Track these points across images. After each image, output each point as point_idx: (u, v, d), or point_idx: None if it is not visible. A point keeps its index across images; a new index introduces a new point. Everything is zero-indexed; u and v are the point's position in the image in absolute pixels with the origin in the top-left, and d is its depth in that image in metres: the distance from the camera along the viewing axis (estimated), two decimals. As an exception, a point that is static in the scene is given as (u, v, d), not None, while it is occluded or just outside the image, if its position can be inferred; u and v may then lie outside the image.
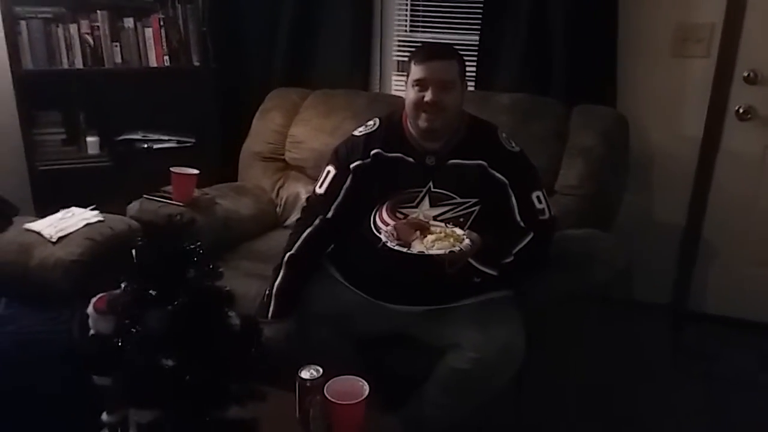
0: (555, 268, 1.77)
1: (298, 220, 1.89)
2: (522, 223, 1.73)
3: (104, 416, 1.23)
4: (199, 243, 1.14)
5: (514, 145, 1.79)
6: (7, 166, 2.59)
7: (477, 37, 2.58)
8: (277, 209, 2.53)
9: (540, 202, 1.76)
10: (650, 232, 2.62)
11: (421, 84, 1.70)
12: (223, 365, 1.12)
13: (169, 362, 1.10)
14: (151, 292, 1.04)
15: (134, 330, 1.07)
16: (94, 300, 1.15)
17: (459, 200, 1.74)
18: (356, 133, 1.84)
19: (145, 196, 2.20)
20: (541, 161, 2.18)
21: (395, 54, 2.82)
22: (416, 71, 1.71)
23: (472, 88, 2.59)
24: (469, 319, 1.67)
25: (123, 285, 1.08)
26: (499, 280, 1.72)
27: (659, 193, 2.61)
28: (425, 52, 1.73)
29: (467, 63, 2.54)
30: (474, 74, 2.60)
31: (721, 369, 2.41)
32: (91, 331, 1.17)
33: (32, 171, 2.61)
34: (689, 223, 2.58)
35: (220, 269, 1.17)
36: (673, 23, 2.40)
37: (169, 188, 2.21)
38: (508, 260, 1.70)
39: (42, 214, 2.06)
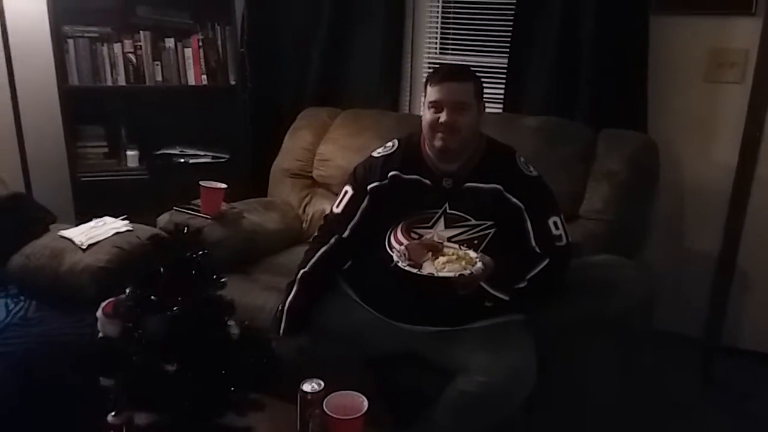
0: (571, 294, 1.75)
1: (314, 237, 1.92)
2: (537, 249, 1.72)
3: (110, 417, 1.28)
4: (204, 253, 1.19)
5: (532, 169, 1.78)
6: (52, 177, 2.73)
7: (506, 60, 2.59)
8: (303, 225, 2.57)
9: (557, 227, 1.74)
10: (682, 262, 2.55)
11: (436, 105, 1.72)
12: (220, 373, 1.15)
13: (172, 367, 1.14)
14: (152, 297, 1.08)
15: (137, 334, 1.12)
16: (103, 304, 1.21)
17: (474, 222, 1.74)
18: (375, 154, 1.87)
19: (175, 208, 2.28)
20: (566, 185, 2.18)
21: (425, 75, 2.83)
22: (432, 93, 1.73)
23: (500, 110, 2.62)
24: (478, 342, 1.66)
25: (128, 290, 1.13)
26: (512, 305, 1.71)
27: (692, 221, 2.54)
28: (441, 74, 1.75)
29: (495, 86, 2.59)
30: (502, 97, 2.61)
31: (755, 406, 2.31)
32: (100, 334, 1.22)
33: (74, 181, 2.74)
34: (723, 253, 2.50)
35: (224, 279, 1.21)
36: (707, 48, 2.35)
37: (198, 201, 2.29)
38: (522, 285, 1.68)
39: (82, 222, 2.16)
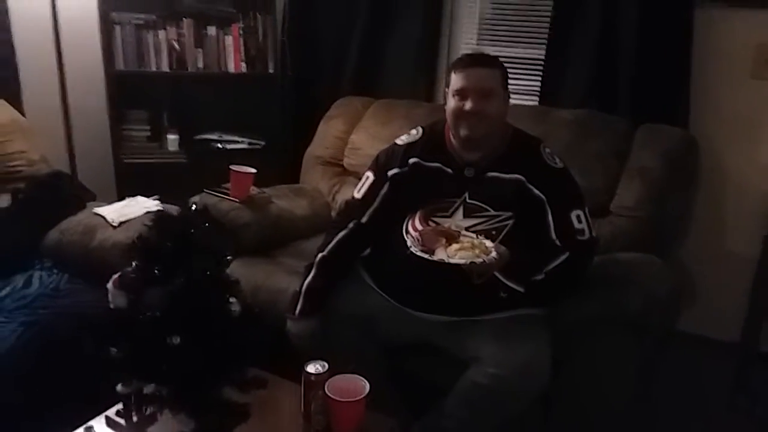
0: (589, 289, 1.70)
1: (333, 222, 1.93)
2: (558, 242, 1.68)
3: (119, 387, 1.33)
4: (211, 229, 1.22)
5: (557, 161, 1.74)
6: (96, 157, 2.83)
7: (543, 51, 2.54)
8: (332, 212, 2.59)
9: (580, 221, 1.69)
10: (721, 264, 2.44)
11: (461, 93, 1.70)
12: (219, 349, 1.17)
13: (175, 340, 1.18)
14: (155, 271, 1.11)
15: (140, 306, 1.16)
16: (114, 276, 1.25)
17: (493, 213, 1.71)
18: (398, 141, 1.86)
19: (205, 190, 2.33)
20: (598, 179, 2.13)
21: (462, 66, 2.82)
22: (456, 80, 1.71)
23: (535, 103, 2.57)
24: (491, 334, 1.64)
25: (134, 263, 1.17)
26: (528, 298, 1.68)
27: (733, 222, 2.43)
28: (466, 61, 1.73)
29: (532, 77, 2.54)
30: (539, 89, 2.56)
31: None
32: (111, 305, 1.26)
33: (117, 163, 2.84)
34: (764, 256, 2.38)
35: (229, 258, 1.23)
36: (753, 44, 2.24)
37: (228, 185, 2.34)
38: (539, 278, 1.65)
39: (121, 201, 2.25)
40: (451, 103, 1.73)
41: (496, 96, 1.71)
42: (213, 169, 2.72)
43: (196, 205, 1.27)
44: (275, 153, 2.94)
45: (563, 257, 1.66)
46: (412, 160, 1.78)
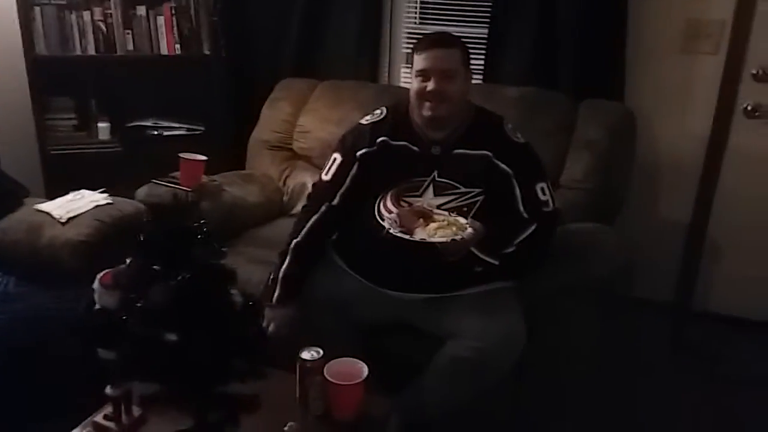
0: (556, 260, 1.78)
1: (304, 207, 1.90)
2: (525, 214, 1.74)
3: (108, 390, 1.26)
4: (204, 222, 1.17)
5: (519, 136, 1.80)
6: (20, 150, 2.61)
7: (486, 30, 2.59)
8: (284, 198, 2.55)
9: (544, 193, 1.76)
10: (655, 229, 2.62)
11: (423, 74, 1.71)
12: (224, 341, 1.14)
13: (172, 337, 1.13)
14: (155, 267, 1.06)
15: (138, 304, 1.10)
16: (100, 275, 1.18)
17: (463, 190, 1.75)
18: (363, 121, 1.85)
19: (153, 180, 2.22)
20: (547, 155, 2.18)
21: (404, 46, 2.83)
22: (418, 61, 1.72)
23: (479, 81, 2.62)
24: (470, 308, 1.68)
25: (128, 260, 1.11)
26: (501, 271, 1.73)
27: (665, 190, 2.60)
28: (427, 42, 1.75)
29: (475, 56, 2.58)
30: (482, 67, 2.61)
31: (725, 369, 2.40)
32: (97, 306, 1.19)
33: (44, 155, 2.65)
34: (694, 221, 2.58)
35: (224, 248, 1.19)
36: (683, 19, 2.39)
37: (177, 174, 2.24)
38: (510, 250, 1.71)
39: (52, 197, 2.09)
40: (414, 84, 1.75)
41: (458, 76, 1.74)
42: (150, 158, 2.63)
43: (181, 195, 1.21)
44: (216, 138, 2.82)
45: (531, 228, 1.73)
46: (380, 139, 1.78)
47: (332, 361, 1.38)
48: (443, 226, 1.61)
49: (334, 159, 1.84)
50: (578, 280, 1.76)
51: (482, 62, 2.61)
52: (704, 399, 2.22)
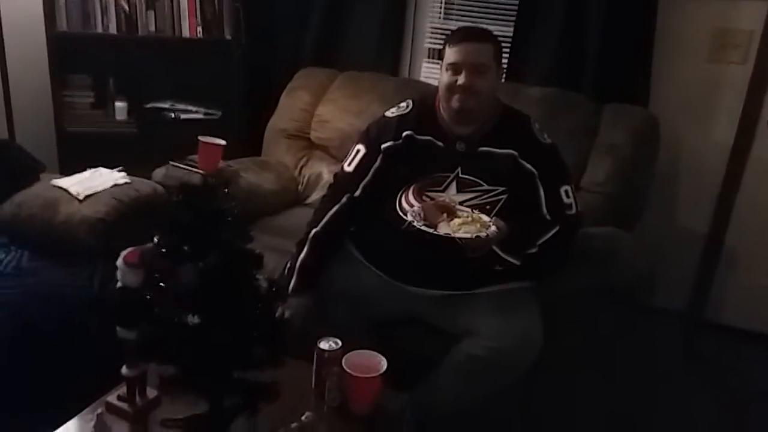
0: (576, 263, 1.76)
1: (323, 197, 1.88)
2: (548, 216, 1.72)
3: (124, 369, 1.24)
4: (234, 204, 1.15)
5: (546, 137, 1.78)
6: (36, 126, 2.61)
7: (511, 29, 2.56)
8: (299, 187, 2.53)
9: (568, 196, 1.74)
10: (672, 237, 2.59)
11: (454, 67, 1.69)
12: (247, 327, 1.12)
13: (195, 319, 1.11)
14: (184, 247, 1.04)
15: (162, 285, 1.08)
16: (124, 253, 1.16)
17: (486, 188, 1.72)
18: (388, 114, 1.83)
19: (171, 162, 2.21)
20: (569, 156, 2.14)
21: (427, 41, 2.81)
22: (450, 54, 1.70)
23: (503, 80, 2.59)
24: (488, 307, 1.66)
25: (156, 239, 1.09)
26: (521, 271, 1.71)
27: (685, 198, 2.58)
28: (460, 35, 1.72)
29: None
30: (506, 66, 2.59)
31: (736, 380, 2.39)
32: (119, 284, 1.17)
33: (60, 132, 2.63)
34: (713, 230, 2.56)
35: (252, 232, 1.17)
36: (712, 28, 2.37)
37: (195, 157, 2.23)
38: (532, 251, 1.69)
39: (67, 174, 2.07)
40: (444, 77, 1.72)
41: (489, 71, 1.71)
42: (166, 140, 2.60)
43: (214, 177, 1.19)
44: (233, 124, 2.80)
45: (553, 231, 1.70)
46: (405, 133, 1.76)
47: (350, 353, 1.36)
48: (467, 222, 1.59)
49: (358, 150, 1.81)
50: (599, 284, 1.74)
51: (506, 61, 2.58)
52: (715, 409, 2.20)
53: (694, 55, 2.42)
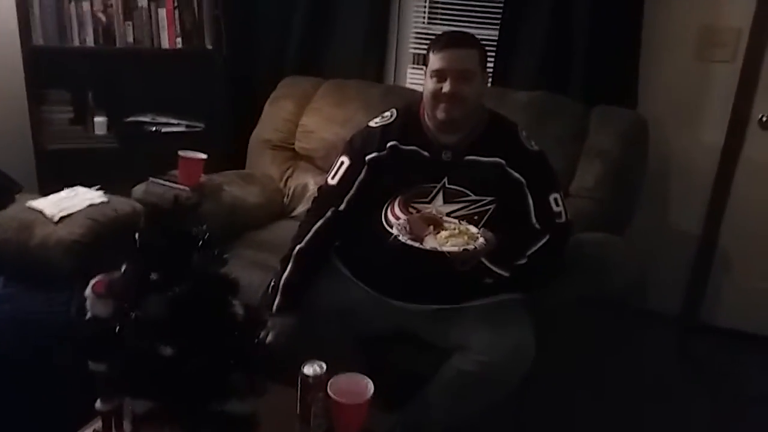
0: (569, 271, 1.71)
1: (308, 211, 1.83)
2: (537, 225, 1.68)
3: (98, 404, 1.19)
4: (205, 227, 1.10)
5: (534, 144, 1.74)
6: (13, 144, 2.54)
7: (496, 32, 2.52)
8: (285, 199, 2.48)
9: (557, 204, 1.70)
10: (664, 240, 2.56)
11: (439, 74, 1.64)
12: (224, 355, 1.07)
13: (168, 350, 1.06)
14: (152, 276, 0.99)
15: (133, 315, 1.03)
16: (92, 282, 1.11)
17: (474, 198, 1.68)
18: (372, 124, 1.78)
19: (151, 179, 2.15)
20: (557, 162, 2.10)
21: (412, 46, 2.77)
22: (435, 61, 1.65)
23: (488, 85, 2.55)
24: (478, 321, 1.62)
25: (123, 267, 1.03)
26: (511, 282, 1.66)
27: (676, 200, 2.55)
28: (444, 41, 1.67)
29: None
30: (492, 70, 2.54)
31: (731, 383, 2.36)
32: (89, 315, 1.12)
33: (38, 149, 2.56)
34: (705, 233, 2.52)
35: (226, 256, 1.12)
36: (698, 26, 2.34)
37: (175, 172, 2.17)
38: (522, 262, 1.64)
39: (46, 193, 2.02)
40: (429, 84, 1.68)
41: (475, 77, 1.67)
42: (148, 155, 2.54)
43: (180, 197, 1.13)
44: (216, 136, 2.74)
45: (543, 240, 1.66)
46: (390, 143, 1.71)
47: (336, 377, 1.31)
48: (454, 235, 1.54)
49: (342, 162, 1.76)
50: (591, 293, 1.70)
51: (492, 65, 2.54)
52: (711, 413, 2.17)
53: (681, 54, 2.39)
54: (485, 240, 1.55)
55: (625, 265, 1.77)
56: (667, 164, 2.50)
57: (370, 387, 1.31)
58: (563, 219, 1.71)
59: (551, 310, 1.69)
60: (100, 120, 2.67)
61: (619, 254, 1.82)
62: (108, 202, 1.92)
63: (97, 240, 1.81)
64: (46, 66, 2.50)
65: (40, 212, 1.83)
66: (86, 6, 2.51)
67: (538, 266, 1.66)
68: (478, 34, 2.51)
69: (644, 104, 2.39)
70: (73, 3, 2.49)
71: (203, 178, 2.20)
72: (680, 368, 2.46)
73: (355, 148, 1.76)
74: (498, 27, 2.52)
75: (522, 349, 1.59)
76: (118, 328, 1.06)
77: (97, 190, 1.97)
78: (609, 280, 1.71)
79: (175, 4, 2.61)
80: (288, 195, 2.48)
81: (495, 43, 2.53)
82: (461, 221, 1.62)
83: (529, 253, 1.64)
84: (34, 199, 1.93)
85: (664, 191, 2.54)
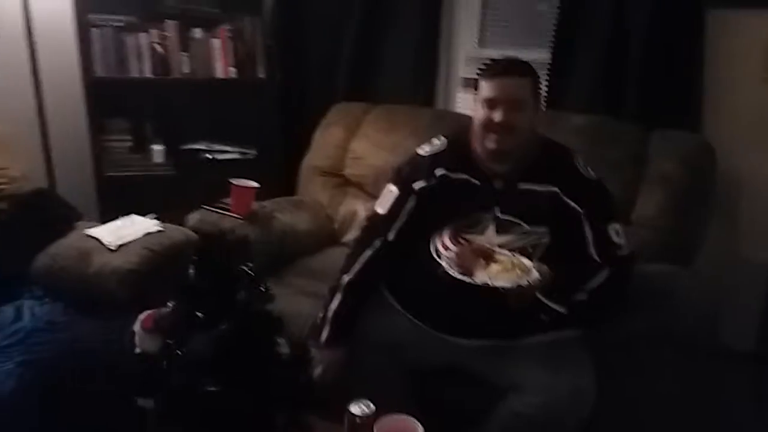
0: (632, 308, 1.62)
1: (356, 240, 1.80)
2: (597, 258, 1.59)
3: (145, 439, 1.18)
4: (251, 263, 1.09)
5: (591, 171, 1.66)
6: (75, 172, 2.64)
7: (550, 55, 2.46)
8: (335, 225, 2.47)
9: (618, 235, 1.61)
10: (735, 271, 2.39)
11: (490, 102, 1.60)
12: (269, 394, 1.04)
13: (212, 388, 1.04)
14: (198, 313, 0.98)
15: (179, 352, 1.02)
16: (141, 317, 1.11)
17: (527, 228, 1.61)
18: (421, 152, 1.75)
19: (204, 207, 2.18)
20: (616, 190, 2.02)
21: (462, 70, 2.73)
22: (486, 89, 1.61)
23: (542, 108, 2.49)
24: (534, 359, 1.55)
25: (171, 304, 1.03)
26: (569, 319, 1.59)
27: (747, 229, 2.39)
28: (496, 69, 1.62)
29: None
30: (545, 94, 2.48)
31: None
32: (137, 350, 1.12)
33: (99, 177, 2.65)
34: (778, 263, 2.36)
35: (272, 292, 1.11)
36: (765, 46, 2.21)
37: (228, 200, 2.19)
38: (581, 298, 1.56)
39: (106, 220, 2.07)
40: (479, 112, 1.63)
41: (527, 106, 1.62)
42: (203, 182, 2.58)
43: (228, 231, 1.13)
44: (268, 163, 2.79)
45: (604, 274, 1.57)
46: (438, 172, 1.67)
47: (383, 418, 1.27)
48: (507, 269, 1.47)
49: (390, 191, 1.73)
50: (658, 329, 1.60)
51: (545, 88, 2.47)
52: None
53: (747, 75, 2.25)
54: (540, 274, 1.48)
55: (693, 299, 1.67)
56: (737, 190, 2.35)
57: (419, 429, 1.25)
58: (625, 251, 1.62)
59: (614, 349, 1.61)
60: (157, 148, 2.75)
61: (687, 287, 1.72)
62: (163, 230, 1.95)
63: (153, 268, 1.83)
64: (106, 96, 2.59)
65: (98, 240, 1.87)
66: (144, 38, 2.60)
67: (600, 303, 1.57)
68: (530, 57, 2.50)
69: (710, 128, 2.27)
70: (131, 35, 2.59)
71: (255, 206, 2.21)
72: (755, 408, 2.29)
73: (403, 176, 1.73)
74: (551, 49, 2.46)
75: (581, 392, 1.51)
76: (165, 363, 1.05)
77: (152, 218, 2.00)
78: (676, 316, 1.60)
79: (229, 35, 2.67)
80: (338, 221, 2.47)
81: (548, 66, 2.46)
82: (514, 254, 1.56)
83: (588, 288, 1.56)
84: (92, 226, 1.98)
85: (733, 219, 2.39)
